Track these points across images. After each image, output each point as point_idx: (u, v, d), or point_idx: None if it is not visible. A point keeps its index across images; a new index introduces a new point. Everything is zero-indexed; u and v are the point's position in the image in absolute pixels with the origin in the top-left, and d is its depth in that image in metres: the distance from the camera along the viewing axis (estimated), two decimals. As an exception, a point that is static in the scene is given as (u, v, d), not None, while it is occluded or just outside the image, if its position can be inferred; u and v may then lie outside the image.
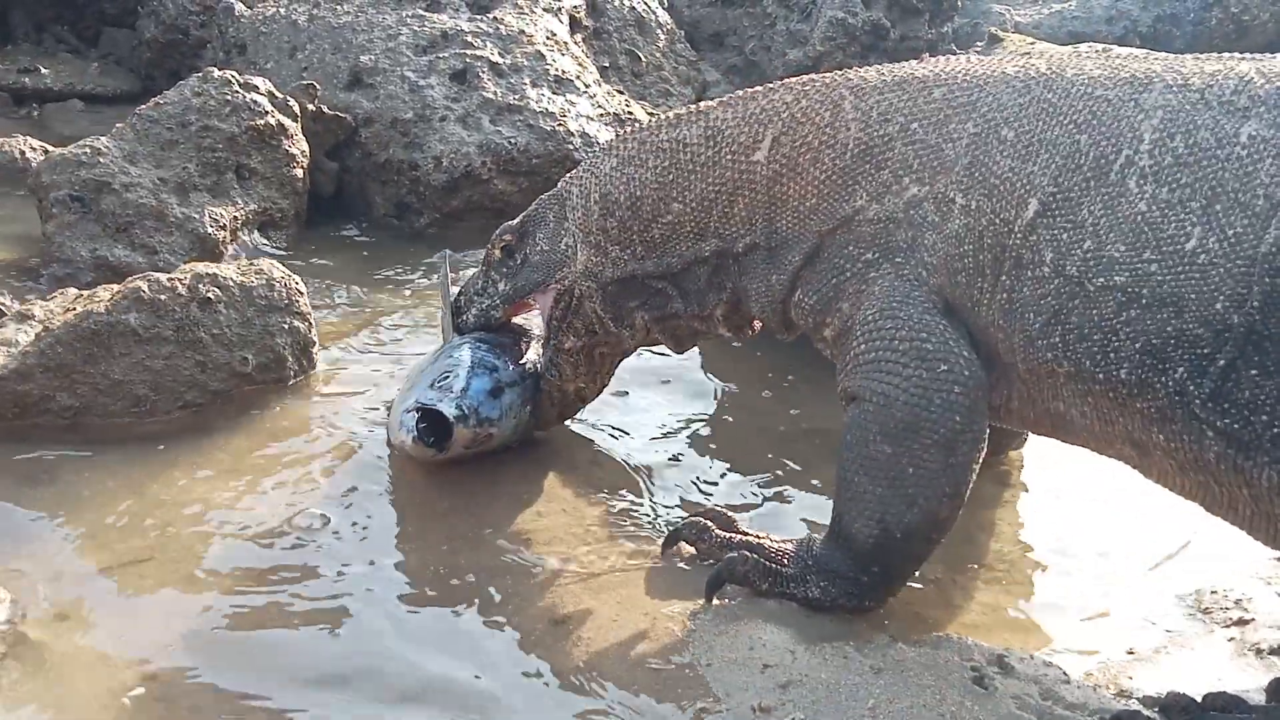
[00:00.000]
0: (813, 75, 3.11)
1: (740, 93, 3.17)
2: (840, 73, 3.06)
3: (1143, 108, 2.52)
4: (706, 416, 3.96)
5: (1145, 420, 2.47)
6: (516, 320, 3.64)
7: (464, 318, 3.62)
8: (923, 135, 2.77)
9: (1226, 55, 2.65)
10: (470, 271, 3.82)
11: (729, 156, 3.05)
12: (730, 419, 3.97)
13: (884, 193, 2.80)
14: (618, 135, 3.37)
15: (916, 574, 2.92)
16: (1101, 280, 2.46)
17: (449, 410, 3.22)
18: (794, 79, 3.13)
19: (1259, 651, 2.79)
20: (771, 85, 3.14)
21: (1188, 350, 2.36)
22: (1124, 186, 2.47)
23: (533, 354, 3.55)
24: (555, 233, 3.39)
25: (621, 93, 6.15)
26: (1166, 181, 2.43)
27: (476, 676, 2.58)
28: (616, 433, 3.79)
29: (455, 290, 3.71)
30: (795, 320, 3.04)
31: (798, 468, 3.61)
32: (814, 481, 3.52)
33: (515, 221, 3.52)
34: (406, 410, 3.27)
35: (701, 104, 3.23)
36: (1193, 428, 2.40)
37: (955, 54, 6.57)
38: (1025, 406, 2.75)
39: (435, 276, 3.53)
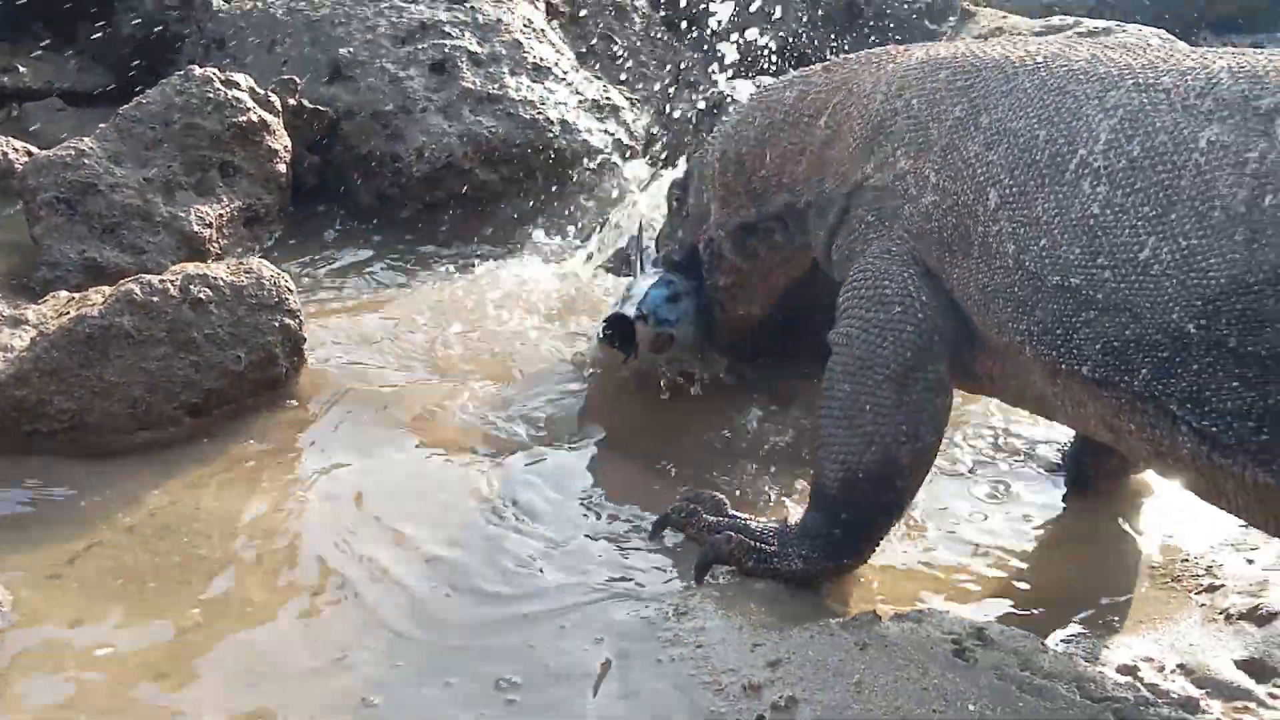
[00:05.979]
0: (887, 48, 3.25)
1: (841, 58, 3.38)
2: (896, 48, 3.21)
3: (1105, 106, 2.46)
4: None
5: (1115, 408, 2.43)
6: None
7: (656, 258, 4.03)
8: (918, 112, 2.87)
9: (1211, 50, 2.50)
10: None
11: (806, 119, 3.26)
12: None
13: (884, 164, 2.92)
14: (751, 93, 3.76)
15: (891, 536, 2.99)
16: (1058, 279, 2.44)
17: (629, 311, 3.72)
18: (875, 50, 3.30)
19: (1229, 617, 2.87)
20: (859, 54, 3.32)
21: (1150, 354, 2.30)
22: (1078, 187, 2.43)
23: None
24: (698, 189, 3.75)
25: (600, 78, 6.19)
26: (1121, 184, 2.36)
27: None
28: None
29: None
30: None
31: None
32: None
33: (681, 175, 3.97)
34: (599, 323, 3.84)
35: (818, 65, 3.45)
36: (1165, 422, 2.32)
37: (931, 30, 6.65)
38: (1008, 379, 2.79)
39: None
